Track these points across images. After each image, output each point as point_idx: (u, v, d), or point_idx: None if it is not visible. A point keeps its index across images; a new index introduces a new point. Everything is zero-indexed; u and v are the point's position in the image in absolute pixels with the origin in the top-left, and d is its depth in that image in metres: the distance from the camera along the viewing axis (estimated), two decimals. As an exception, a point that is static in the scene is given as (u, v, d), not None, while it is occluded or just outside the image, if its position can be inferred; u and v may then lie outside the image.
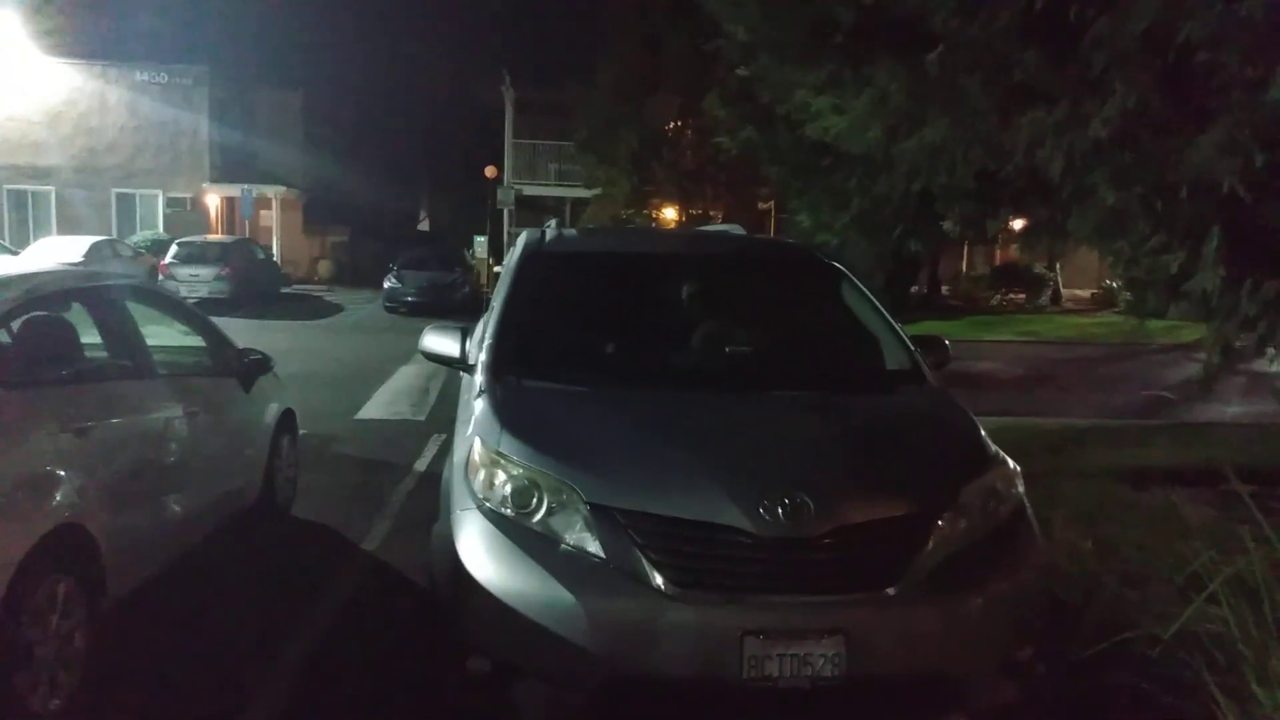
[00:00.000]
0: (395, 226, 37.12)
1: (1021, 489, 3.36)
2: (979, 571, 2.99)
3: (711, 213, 25.64)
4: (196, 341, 5.05)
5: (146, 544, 3.91)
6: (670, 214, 27.48)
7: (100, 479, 3.54)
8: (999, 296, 26.32)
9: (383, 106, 36.54)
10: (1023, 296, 26.06)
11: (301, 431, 6.20)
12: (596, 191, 27.76)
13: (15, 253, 21.56)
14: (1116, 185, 3.03)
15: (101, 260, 20.54)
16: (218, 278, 20.86)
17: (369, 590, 4.67)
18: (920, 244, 9.92)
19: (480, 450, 3.22)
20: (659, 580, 2.81)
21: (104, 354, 4.18)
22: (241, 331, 5.23)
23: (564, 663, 2.81)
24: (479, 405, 3.48)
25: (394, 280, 21.72)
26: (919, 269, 23.43)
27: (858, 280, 4.42)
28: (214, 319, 5.39)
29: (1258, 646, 2.88)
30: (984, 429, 3.55)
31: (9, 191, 27.78)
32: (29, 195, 28.00)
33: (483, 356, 3.78)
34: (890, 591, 2.86)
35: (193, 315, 5.16)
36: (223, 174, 29.07)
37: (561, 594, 2.81)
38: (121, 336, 4.21)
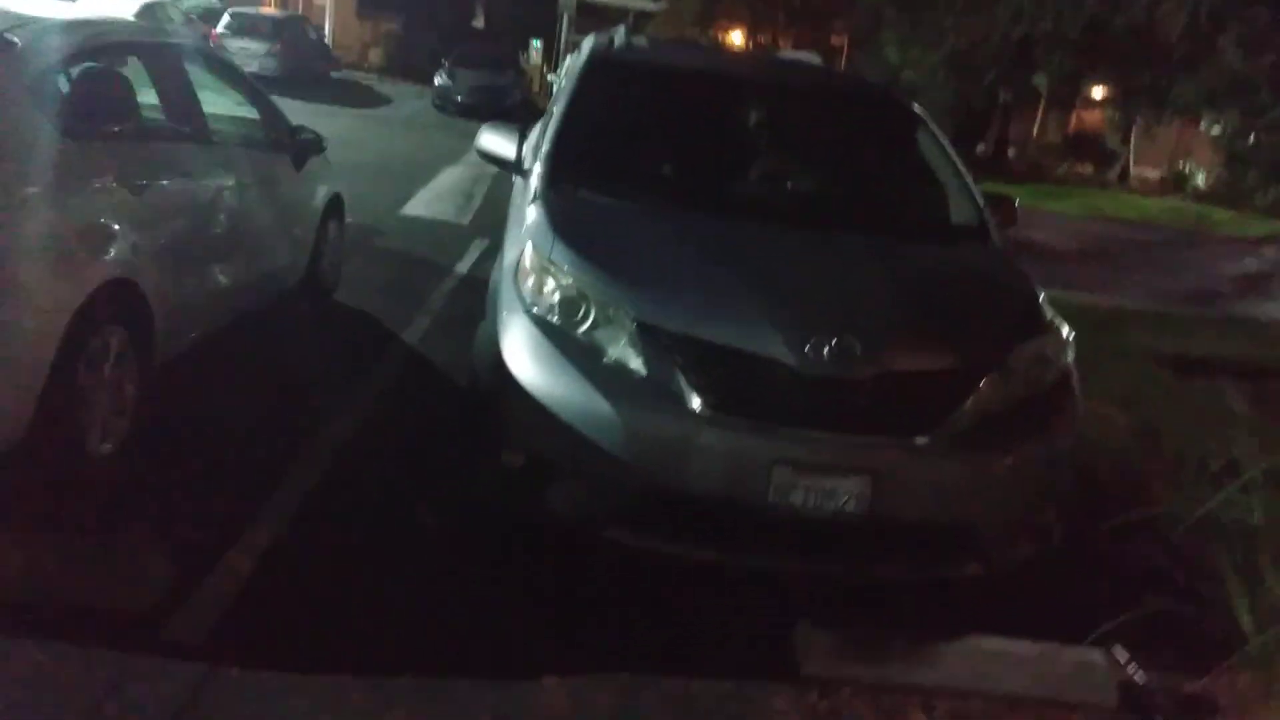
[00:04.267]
0: (450, 21, 35.81)
1: (1071, 358, 3.32)
2: (1015, 432, 3.00)
3: (780, 41, 24.50)
4: (250, 113, 4.96)
5: (195, 307, 3.97)
6: (737, 37, 26.31)
7: (154, 238, 3.56)
8: (1065, 167, 25.36)
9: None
10: (1090, 170, 25.11)
11: (347, 220, 6.19)
12: (663, 5, 26.52)
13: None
14: (1246, 49, 2.79)
15: (153, 20, 20.07)
16: (269, 53, 20.36)
17: (407, 380, 4.77)
18: (1010, 95, 9.39)
19: (532, 256, 3.20)
20: (698, 402, 2.83)
21: (160, 114, 4.12)
22: (290, 112, 5.09)
23: (599, 467, 2.88)
24: (533, 211, 3.43)
25: (445, 78, 21.15)
26: (988, 127, 22.49)
27: (935, 127, 4.23)
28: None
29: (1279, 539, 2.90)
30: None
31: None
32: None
33: (540, 162, 3.70)
34: (923, 440, 2.88)
35: (250, 86, 5.04)
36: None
37: (601, 403, 2.85)
38: (178, 98, 4.14)
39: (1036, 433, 3.06)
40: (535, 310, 3.08)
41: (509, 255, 3.36)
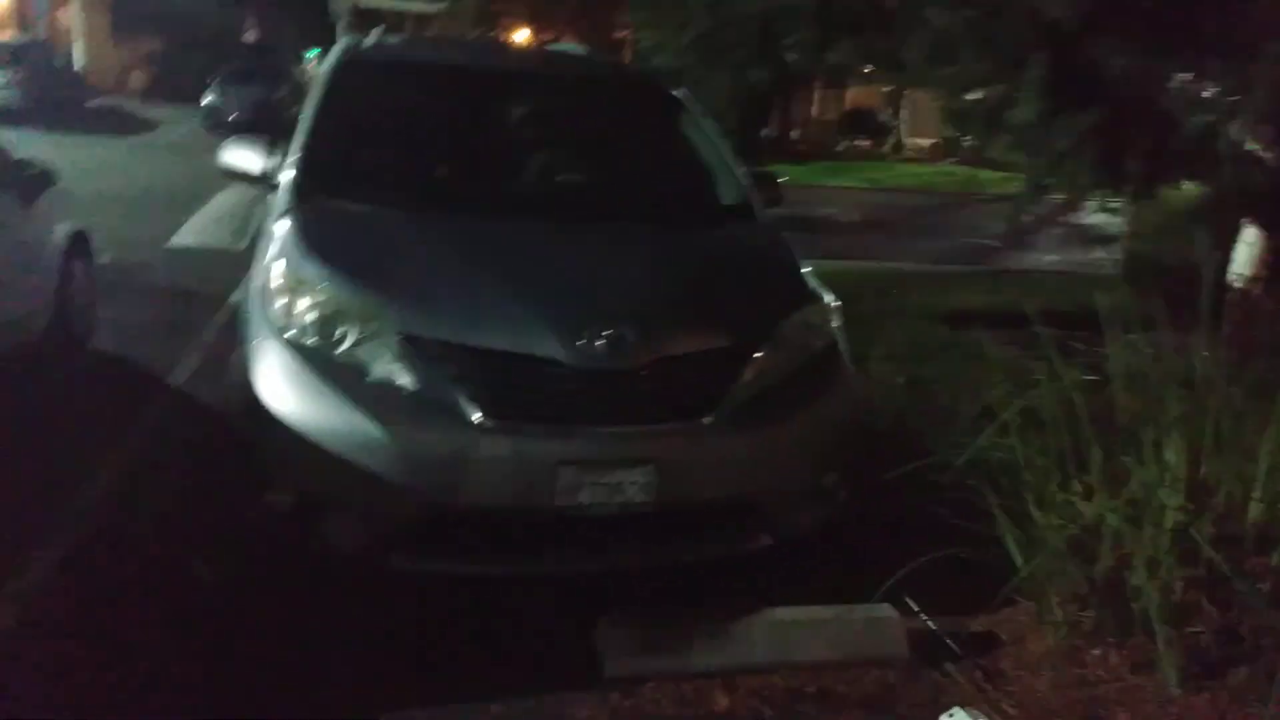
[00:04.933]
0: (219, 37, 33.89)
1: (837, 323, 3.42)
2: (790, 402, 3.06)
3: (565, 38, 24.56)
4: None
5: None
6: (521, 36, 26.17)
7: None
8: (846, 143, 26.73)
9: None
10: (869, 144, 26.56)
11: (105, 258, 5.69)
12: (442, 6, 26.04)
13: None
14: (945, 7, 2.98)
15: None
16: (8, 84, 18.64)
17: (173, 427, 4.40)
18: (763, 75, 9.64)
19: (282, 274, 3.00)
20: (473, 412, 2.73)
21: None
22: (38, 147, 4.56)
23: (375, 494, 2.73)
24: (282, 224, 3.22)
25: (215, 96, 20.04)
26: (770, 110, 23.37)
27: (698, 111, 4.28)
28: (13, 132, 4.74)
29: (1039, 474, 3.08)
30: (808, 266, 3.58)
31: None
32: None
33: (288, 172, 3.48)
34: (703, 422, 2.89)
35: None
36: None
37: (369, 426, 2.70)
38: None
39: (810, 400, 3.14)
40: (289, 333, 2.88)
41: (258, 278, 3.14)
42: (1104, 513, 2.84)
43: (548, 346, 2.78)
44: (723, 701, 2.69)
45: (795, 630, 2.90)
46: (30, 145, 4.59)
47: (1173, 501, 2.77)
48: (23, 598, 2.90)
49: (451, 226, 3.32)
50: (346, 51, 4.10)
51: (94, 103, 22.82)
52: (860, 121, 26.86)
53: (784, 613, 2.94)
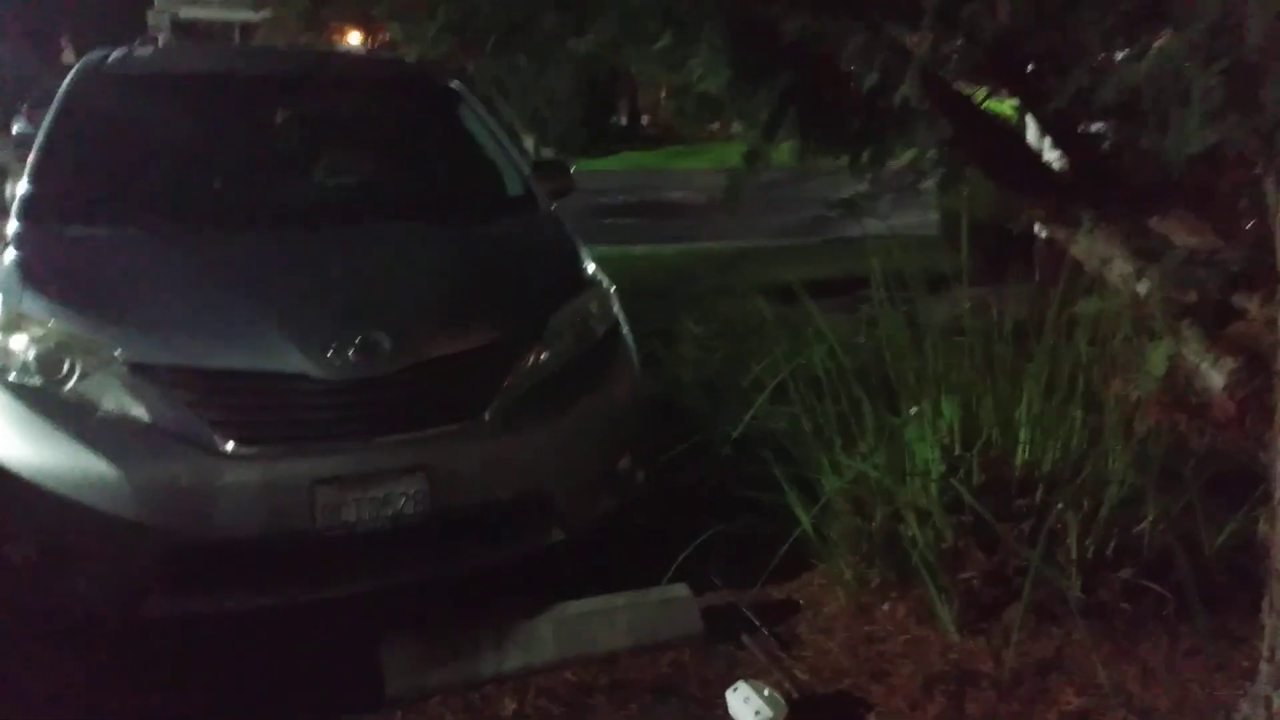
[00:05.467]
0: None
1: (617, 308, 3.39)
2: (567, 393, 3.01)
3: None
4: None
5: None
6: (355, 40, 25.38)
7: None
8: (695, 126, 26.94)
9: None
10: (717, 125, 26.86)
11: None
12: (266, 14, 25.00)
13: None
14: None
15: None
16: None
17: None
18: (529, 60, 9.37)
19: (0, 311, 2.77)
20: (215, 439, 2.57)
21: None
22: None
23: (115, 539, 2.56)
24: (4, 258, 2.98)
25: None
26: (617, 98, 23.41)
27: (474, 102, 4.18)
28: None
29: (817, 437, 3.12)
30: (586, 252, 3.54)
31: None
32: None
33: (14, 200, 3.23)
34: (474, 423, 2.81)
35: None
36: None
37: (101, 465, 2.52)
38: None
39: (590, 389, 3.09)
40: (9, 374, 2.66)
41: None
42: (868, 470, 2.89)
43: (293, 361, 2.65)
44: (510, 706, 2.61)
45: (586, 622, 2.85)
46: None
47: (930, 454, 2.83)
48: None
49: (191, 244, 3.14)
50: (84, 68, 3.82)
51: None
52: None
53: (574, 606, 2.88)
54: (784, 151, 3.34)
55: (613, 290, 3.42)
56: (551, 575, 3.06)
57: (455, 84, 4.25)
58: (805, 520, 3.04)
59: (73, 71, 3.82)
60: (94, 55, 3.97)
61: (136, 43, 4.31)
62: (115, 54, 3.99)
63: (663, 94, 30.48)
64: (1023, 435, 2.96)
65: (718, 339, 5.00)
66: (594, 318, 3.25)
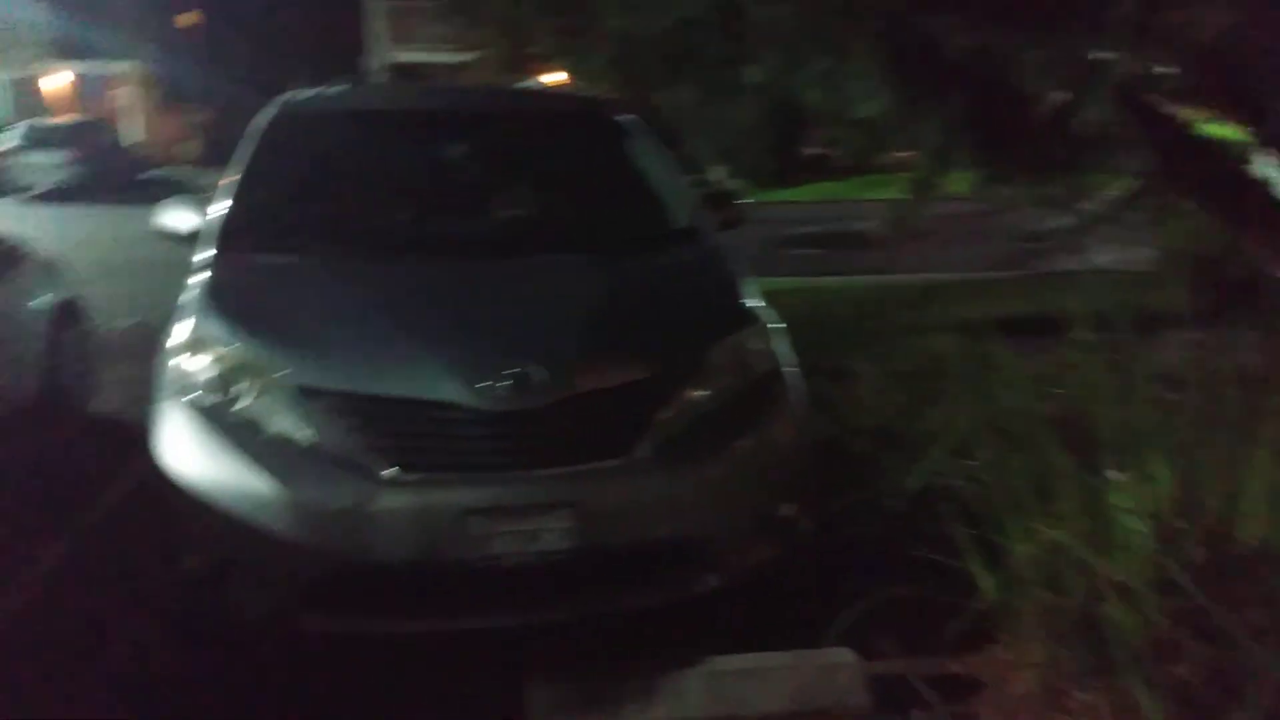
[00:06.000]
0: (264, 102, 34.94)
1: (782, 345, 3.21)
2: (724, 432, 2.85)
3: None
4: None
5: None
6: (558, 78, 26.35)
7: None
8: (888, 154, 26.20)
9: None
10: (909, 154, 26.00)
11: (133, 321, 5.62)
12: (474, 56, 26.36)
13: None
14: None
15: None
16: (64, 164, 19.44)
17: (149, 482, 4.34)
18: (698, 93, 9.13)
19: (186, 331, 2.92)
20: (374, 464, 2.59)
21: None
22: (100, 220, 4.57)
23: (277, 556, 2.61)
24: (195, 283, 3.15)
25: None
26: (804, 128, 23.04)
27: (646, 136, 4.13)
28: (58, 209, 4.83)
29: (1007, 497, 2.81)
30: (751, 286, 3.38)
31: None
32: None
33: (210, 230, 3.42)
34: (621, 460, 2.70)
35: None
36: (70, 52, 26.65)
37: (268, 484, 2.59)
38: None
39: (750, 429, 2.93)
40: (189, 393, 2.79)
41: (171, 338, 3.05)
42: (1064, 540, 2.55)
43: (449, 390, 2.63)
44: (655, 763, 2.46)
45: (740, 680, 2.66)
46: (96, 221, 4.58)
47: (1139, 524, 2.47)
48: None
49: (370, 273, 3.21)
50: (282, 105, 4.05)
51: (145, 175, 23.58)
52: (903, 133, 26.30)
53: (727, 662, 2.70)
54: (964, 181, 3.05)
55: (778, 326, 3.23)
56: (703, 624, 2.90)
57: (626, 117, 4.22)
58: (991, 589, 2.73)
59: (273, 109, 4.03)
60: (292, 94, 4.19)
61: (331, 83, 4.54)
62: (311, 93, 4.21)
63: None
64: (1251, 507, 2.55)
65: (898, 380, 4.68)
66: (755, 354, 3.09)
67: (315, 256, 3.28)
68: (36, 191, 19.09)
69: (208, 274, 3.18)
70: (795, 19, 2.46)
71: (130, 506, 4.06)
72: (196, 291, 3.09)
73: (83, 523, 3.86)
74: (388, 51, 27.53)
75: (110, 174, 20.56)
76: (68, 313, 5.30)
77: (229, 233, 3.38)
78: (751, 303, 3.27)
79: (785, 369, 3.13)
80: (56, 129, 20.64)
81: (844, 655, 2.72)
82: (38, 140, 19.67)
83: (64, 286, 5.37)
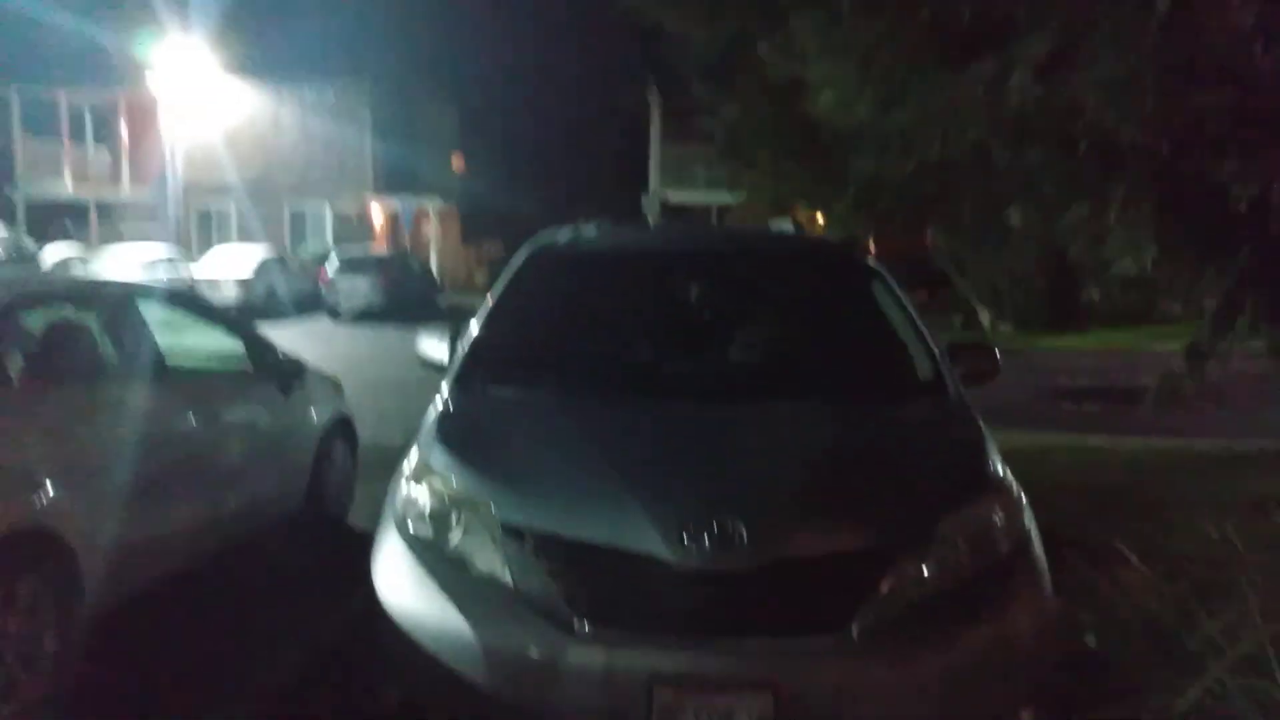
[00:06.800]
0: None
1: (1028, 520, 2.84)
2: (957, 618, 2.52)
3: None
4: (229, 346, 5.09)
5: (144, 552, 3.88)
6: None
7: (83, 485, 3.53)
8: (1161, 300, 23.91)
9: (534, 117, 37.46)
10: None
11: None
12: (739, 197, 27.24)
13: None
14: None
15: (268, 272, 22.19)
16: (372, 288, 21.92)
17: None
18: (942, 231, 8.75)
19: (413, 463, 3.02)
20: (564, 613, 2.50)
21: (108, 358, 4.21)
22: (392, 338, 4.93)
23: (461, 701, 2.55)
24: (430, 414, 3.28)
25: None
26: (1082, 274, 21.58)
27: (891, 281, 3.94)
28: (366, 328, 5.33)
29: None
30: (996, 448, 3.04)
31: (196, 210, 29.95)
32: (212, 212, 30.20)
33: (453, 363, 3.58)
34: (834, 639, 2.44)
35: (230, 320, 5.21)
36: (385, 186, 30.38)
37: (461, 626, 2.56)
38: (127, 340, 4.23)
39: (985, 616, 2.57)
40: (408, 524, 2.86)
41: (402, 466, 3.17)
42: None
43: (647, 540, 2.50)
44: None
45: None
46: (388, 339, 4.96)
47: None
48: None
49: (592, 413, 3.20)
50: (535, 244, 4.20)
51: (443, 298, 26.00)
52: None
53: None
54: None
55: (1020, 499, 2.87)
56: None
57: (872, 261, 4.06)
58: None
59: (525, 248, 4.22)
60: (545, 234, 4.38)
61: (593, 225, 4.70)
62: (565, 232, 4.38)
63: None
64: None
65: (1176, 568, 4.04)
66: (997, 528, 2.74)
67: (545, 394, 3.32)
68: (346, 311, 21.68)
69: (440, 406, 3.30)
70: (1045, 164, 2.24)
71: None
72: (428, 423, 3.21)
73: (318, 635, 4.04)
74: (664, 192, 29.07)
75: (411, 298, 22.94)
76: (340, 427, 5.77)
77: (466, 365, 3.51)
78: (997, 467, 2.95)
79: (1032, 548, 2.76)
80: (366, 259, 23.32)
81: None
82: (347, 268, 22.38)
83: (342, 403, 5.87)
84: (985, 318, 21.17)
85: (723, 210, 30.24)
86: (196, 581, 4.30)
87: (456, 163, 28.46)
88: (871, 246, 18.14)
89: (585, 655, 2.46)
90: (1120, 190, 2.13)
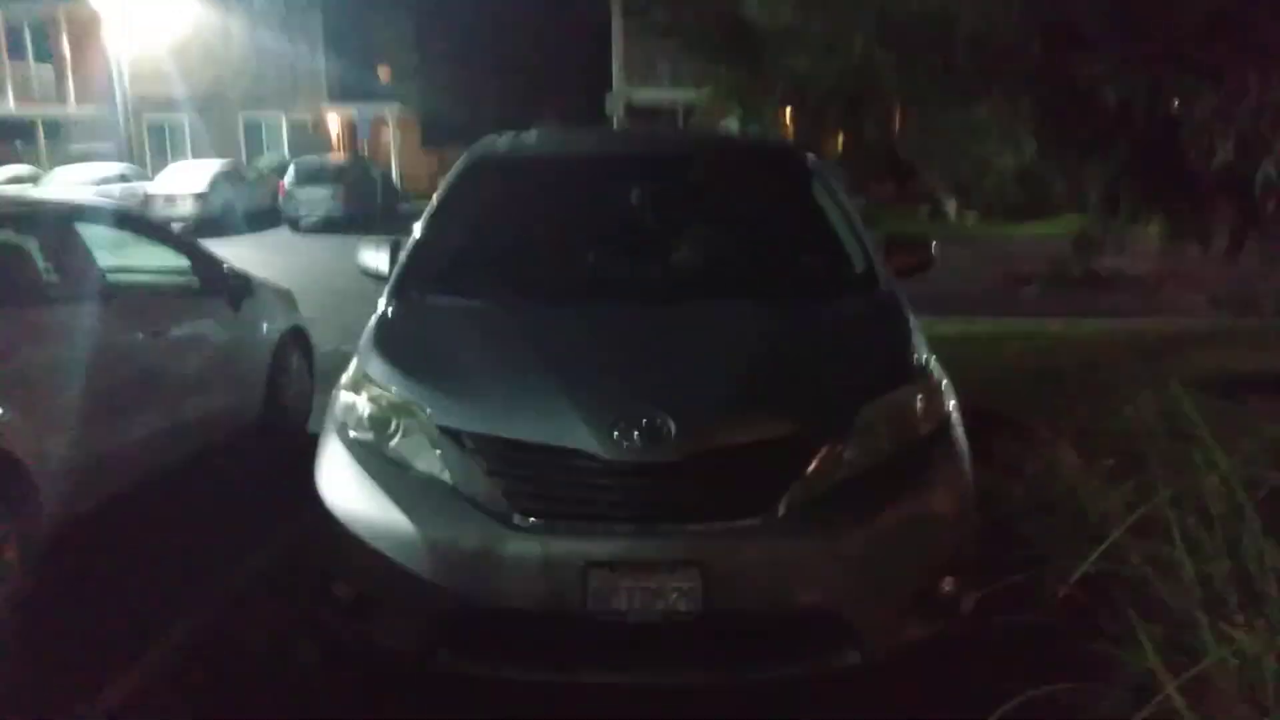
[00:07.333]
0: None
1: (950, 404, 2.95)
2: (875, 497, 2.64)
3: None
4: (174, 263, 5.06)
5: (95, 466, 3.94)
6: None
7: (30, 405, 3.57)
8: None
9: (493, 19, 36.31)
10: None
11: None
12: (702, 95, 26.75)
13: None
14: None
15: (224, 185, 21.69)
16: (332, 198, 21.56)
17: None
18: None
19: (351, 372, 3.08)
20: (503, 508, 2.61)
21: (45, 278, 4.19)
22: (353, 248, 4.78)
23: (409, 592, 2.67)
24: (371, 324, 3.32)
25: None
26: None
27: (829, 177, 3.97)
28: (327, 238, 5.26)
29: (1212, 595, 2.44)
30: (923, 338, 3.13)
31: (148, 124, 29.15)
32: (165, 126, 29.40)
33: (393, 272, 3.60)
34: (758, 521, 2.56)
35: (174, 238, 5.18)
36: (340, 95, 29.65)
37: (404, 523, 2.66)
38: (66, 261, 4.21)
39: (905, 495, 2.70)
40: (348, 429, 2.93)
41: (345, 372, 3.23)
42: (1267, 655, 2.17)
43: (580, 438, 2.60)
44: None
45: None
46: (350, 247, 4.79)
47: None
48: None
49: (528, 317, 3.25)
50: (473, 152, 4.18)
51: (405, 207, 25.65)
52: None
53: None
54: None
55: (944, 384, 2.98)
56: (841, 700, 2.70)
57: (811, 159, 4.08)
58: (1174, 694, 2.37)
59: (464, 156, 4.20)
60: (484, 141, 4.34)
61: (532, 132, 4.64)
62: (503, 139, 4.35)
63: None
64: None
65: (1101, 446, 4.20)
66: (917, 413, 2.85)
67: (481, 300, 3.37)
68: (306, 223, 21.35)
69: (377, 316, 3.34)
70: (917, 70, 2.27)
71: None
72: (365, 332, 3.26)
73: (283, 537, 4.15)
74: (629, 91, 28.45)
75: (373, 207, 22.60)
76: (294, 339, 5.80)
77: (404, 274, 3.54)
78: (921, 356, 3.04)
79: (953, 431, 2.88)
80: (324, 167, 22.85)
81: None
82: (304, 178, 21.93)
83: (295, 315, 5.88)
84: (951, 208, 21.22)
85: (689, 109, 29.72)
86: (158, 491, 4.39)
87: (383, 73, 27.76)
88: (839, 144, 18.04)
89: (524, 545, 2.57)
90: (998, 90, 2.17)
